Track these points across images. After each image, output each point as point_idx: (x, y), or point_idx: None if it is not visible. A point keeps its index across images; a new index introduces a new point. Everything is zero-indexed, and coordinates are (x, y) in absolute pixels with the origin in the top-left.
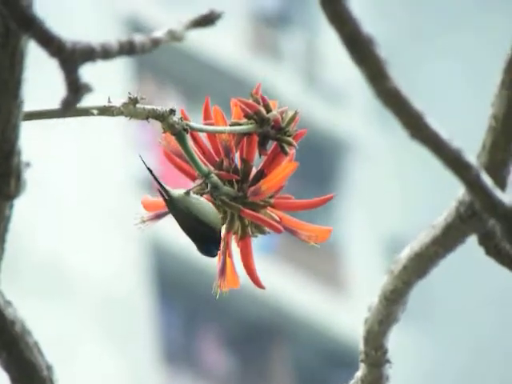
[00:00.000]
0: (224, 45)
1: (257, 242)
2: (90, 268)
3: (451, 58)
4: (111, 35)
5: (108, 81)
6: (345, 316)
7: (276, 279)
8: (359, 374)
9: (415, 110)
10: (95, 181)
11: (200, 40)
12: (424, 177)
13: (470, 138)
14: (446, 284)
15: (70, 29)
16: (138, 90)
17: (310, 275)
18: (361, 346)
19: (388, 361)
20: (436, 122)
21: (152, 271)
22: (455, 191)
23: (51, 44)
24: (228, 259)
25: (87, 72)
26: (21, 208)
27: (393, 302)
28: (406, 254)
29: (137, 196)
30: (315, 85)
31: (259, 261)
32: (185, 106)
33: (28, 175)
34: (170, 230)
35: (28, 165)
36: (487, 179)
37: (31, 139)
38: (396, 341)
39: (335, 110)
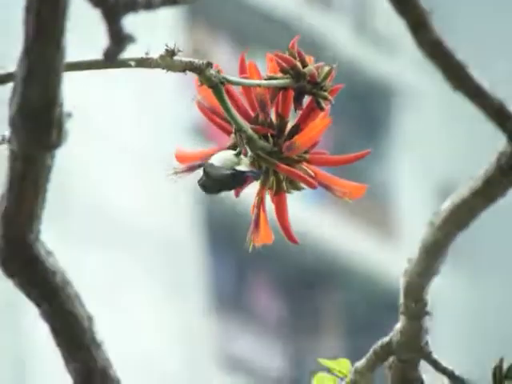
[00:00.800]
0: None
1: (308, 190)
2: (141, 216)
3: (496, 11)
4: None
5: (159, 28)
6: (396, 261)
7: (326, 226)
8: (398, 326)
9: (458, 62)
10: (149, 128)
11: None
12: (475, 123)
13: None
14: (493, 229)
15: None
16: (189, 38)
17: (361, 222)
18: (400, 298)
19: (428, 313)
20: (478, 74)
21: (203, 219)
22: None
23: None
24: (262, 214)
25: (137, 19)
26: (73, 154)
27: (433, 254)
28: (446, 206)
29: (190, 144)
30: (366, 33)
31: (310, 208)
32: (236, 54)
33: (76, 123)
34: None
35: (70, 115)
36: None
37: (86, 86)
38: (443, 285)
39: (387, 57)
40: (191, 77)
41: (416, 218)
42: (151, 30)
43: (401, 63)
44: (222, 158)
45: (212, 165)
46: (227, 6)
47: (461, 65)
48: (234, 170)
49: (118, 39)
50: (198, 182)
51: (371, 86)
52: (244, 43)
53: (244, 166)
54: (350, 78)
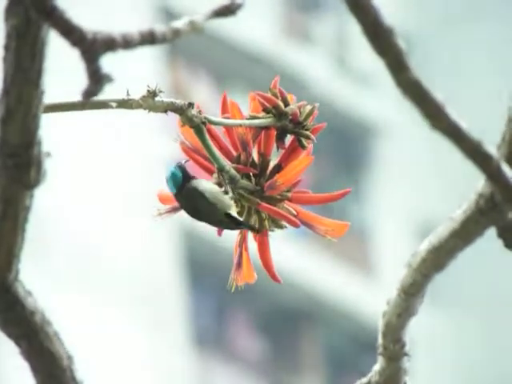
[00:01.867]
0: (256, 30)
1: (287, 228)
2: (121, 253)
3: (475, 48)
4: (143, 22)
5: (140, 66)
6: (376, 300)
7: (306, 263)
8: (377, 367)
9: (435, 101)
10: (127, 166)
11: (232, 25)
12: (455, 160)
13: (491, 130)
14: (474, 269)
15: (102, 17)
16: (169, 75)
17: (341, 259)
18: (379, 340)
19: (406, 354)
20: (456, 113)
21: (183, 256)
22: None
23: (72, 34)
24: (244, 253)
25: (117, 58)
26: (52, 193)
27: (411, 295)
28: (424, 247)
29: None
30: (346, 69)
31: (290, 246)
32: (216, 91)
33: (57, 161)
34: None
35: (48, 154)
36: (508, 171)
37: (62, 125)
38: (424, 326)
39: (366, 94)
40: (172, 115)
41: (395, 256)
42: (131, 68)
43: (380, 99)
44: (214, 195)
45: (203, 195)
46: (206, 44)
47: (438, 104)
48: (230, 215)
49: (97, 79)
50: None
51: (350, 123)
52: (223, 80)
53: (235, 212)
54: (328, 115)
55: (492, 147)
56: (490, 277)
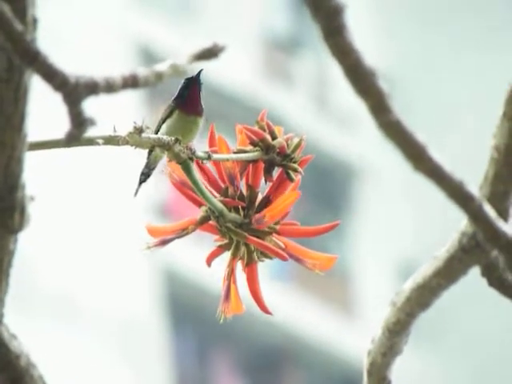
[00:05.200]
0: (235, 70)
1: (269, 267)
2: (102, 296)
3: (456, 86)
4: (124, 62)
5: (118, 107)
6: (357, 341)
7: (288, 305)
8: None
9: (418, 143)
10: (107, 209)
11: (211, 66)
12: (436, 201)
13: (473, 169)
14: (457, 307)
15: (82, 57)
16: (148, 116)
17: (323, 301)
18: (364, 378)
19: None
20: (438, 154)
21: (165, 298)
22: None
23: (55, 78)
24: (232, 285)
25: (97, 99)
26: (34, 238)
27: (396, 333)
28: (408, 285)
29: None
30: (326, 109)
31: (272, 287)
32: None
33: (36, 208)
34: (182, 257)
35: (32, 199)
36: (490, 210)
37: (40, 172)
38: (406, 362)
39: (346, 134)
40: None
41: (376, 296)
42: (110, 109)
43: (362, 139)
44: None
45: None
46: None
47: (420, 146)
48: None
49: (80, 122)
50: None
51: (331, 163)
52: (205, 122)
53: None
54: (309, 155)
55: (474, 187)
56: (476, 316)
